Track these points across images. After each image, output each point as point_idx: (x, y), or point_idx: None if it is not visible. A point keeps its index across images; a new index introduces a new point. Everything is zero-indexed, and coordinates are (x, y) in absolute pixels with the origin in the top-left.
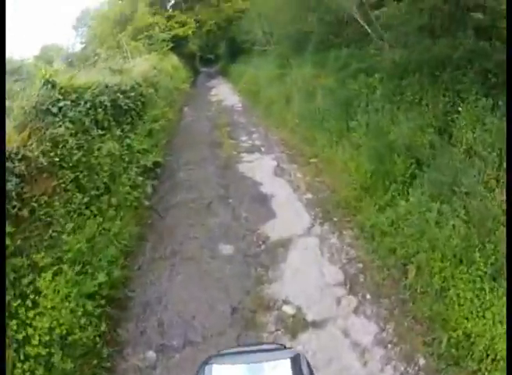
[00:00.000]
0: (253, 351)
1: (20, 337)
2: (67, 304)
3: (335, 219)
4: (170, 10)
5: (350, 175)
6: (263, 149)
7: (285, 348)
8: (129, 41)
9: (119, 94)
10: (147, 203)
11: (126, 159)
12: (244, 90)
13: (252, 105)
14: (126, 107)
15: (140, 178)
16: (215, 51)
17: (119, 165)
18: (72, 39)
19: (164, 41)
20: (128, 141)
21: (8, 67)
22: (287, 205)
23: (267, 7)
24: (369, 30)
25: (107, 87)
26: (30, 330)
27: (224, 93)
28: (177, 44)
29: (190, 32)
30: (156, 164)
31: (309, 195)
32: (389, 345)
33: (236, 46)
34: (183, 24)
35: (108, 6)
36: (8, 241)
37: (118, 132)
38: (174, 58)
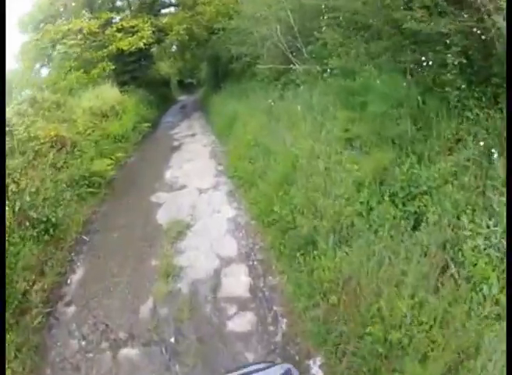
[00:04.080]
0: (245, 373)
1: None
2: None
3: None
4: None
5: None
6: None
7: (275, 364)
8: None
9: None
10: None
11: None
12: (245, 183)
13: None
14: None
15: None
16: (196, 73)
17: None
18: None
19: (69, 60)
20: None
21: None
22: None
23: None
24: None
25: None
26: None
27: (195, 177)
28: (138, 65)
29: (141, 44)
30: None
31: None
32: None
33: (222, 66)
34: (132, 33)
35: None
36: None
37: None
38: (112, 93)
